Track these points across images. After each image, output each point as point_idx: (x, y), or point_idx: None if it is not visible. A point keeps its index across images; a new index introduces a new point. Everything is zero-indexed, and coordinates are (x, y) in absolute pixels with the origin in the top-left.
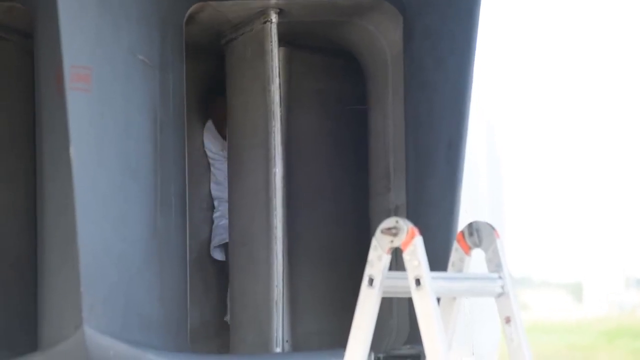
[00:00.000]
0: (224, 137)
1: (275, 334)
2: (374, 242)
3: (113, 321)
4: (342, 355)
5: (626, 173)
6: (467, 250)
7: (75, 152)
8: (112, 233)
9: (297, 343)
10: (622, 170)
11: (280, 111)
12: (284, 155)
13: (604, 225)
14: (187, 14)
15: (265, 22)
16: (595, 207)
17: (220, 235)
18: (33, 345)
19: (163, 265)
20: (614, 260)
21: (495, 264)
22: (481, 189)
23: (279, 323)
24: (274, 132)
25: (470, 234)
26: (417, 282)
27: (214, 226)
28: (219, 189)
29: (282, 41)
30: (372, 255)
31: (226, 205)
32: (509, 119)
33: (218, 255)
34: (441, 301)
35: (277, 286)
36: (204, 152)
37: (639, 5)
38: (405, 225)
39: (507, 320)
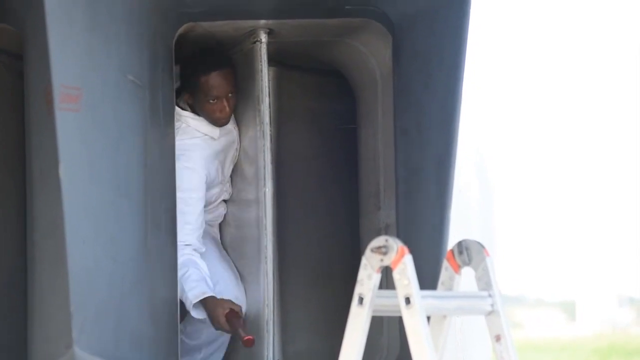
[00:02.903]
0: None
1: (265, 353)
2: (364, 261)
3: (104, 340)
4: None
5: (619, 191)
6: (457, 268)
7: (65, 171)
8: (102, 252)
9: None
10: (615, 188)
11: (271, 130)
12: (274, 174)
13: (597, 243)
14: (177, 34)
15: (255, 42)
16: (588, 226)
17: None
18: None
19: (154, 284)
20: (607, 279)
21: (485, 282)
22: (471, 207)
23: (270, 342)
24: (264, 151)
25: (460, 253)
26: (407, 300)
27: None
28: None
29: (272, 61)
30: (362, 274)
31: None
32: (499, 136)
33: (199, 313)
34: (431, 320)
35: (267, 305)
36: None
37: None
38: (395, 244)
39: (498, 339)
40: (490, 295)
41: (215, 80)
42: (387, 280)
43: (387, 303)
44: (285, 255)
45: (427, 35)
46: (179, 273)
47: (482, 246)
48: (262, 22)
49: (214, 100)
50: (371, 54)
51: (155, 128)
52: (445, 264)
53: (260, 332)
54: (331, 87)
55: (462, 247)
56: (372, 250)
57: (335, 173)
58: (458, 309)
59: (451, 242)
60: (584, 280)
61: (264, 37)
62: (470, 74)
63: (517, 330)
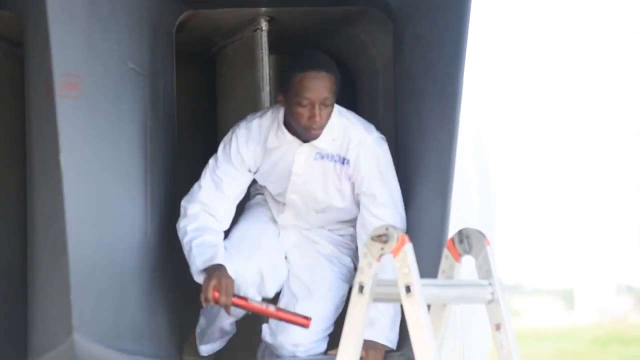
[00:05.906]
0: None
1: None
2: (364, 249)
3: (103, 329)
4: None
5: (617, 180)
6: (457, 257)
7: (65, 159)
8: (102, 241)
9: None
10: (613, 177)
11: None
12: None
13: (595, 232)
14: (177, 22)
15: (255, 30)
16: (586, 214)
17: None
18: (23, 353)
19: (153, 274)
20: (605, 267)
21: (485, 271)
22: (471, 196)
23: None
24: None
25: (461, 241)
26: (408, 289)
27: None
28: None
29: (272, 49)
30: (363, 262)
31: None
32: (498, 125)
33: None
34: (431, 308)
35: None
36: None
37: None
38: (396, 233)
39: (497, 327)
40: (490, 284)
41: (310, 82)
42: None
43: (388, 291)
44: None
45: (428, 22)
46: (188, 237)
47: (483, 235)
48: (263, 9)
49: (304, 104)
50: (372, 42)
51: (155, 116)
52: (445, 252)
53: (260, 321)
54: None
55: (462, 235)
56: (372, 239)
57: None
58: (458, 298)
59: (451, 230)
60: (582, 268)
61: (264, 25)
62: (471, 62)
63: (515, 319)
